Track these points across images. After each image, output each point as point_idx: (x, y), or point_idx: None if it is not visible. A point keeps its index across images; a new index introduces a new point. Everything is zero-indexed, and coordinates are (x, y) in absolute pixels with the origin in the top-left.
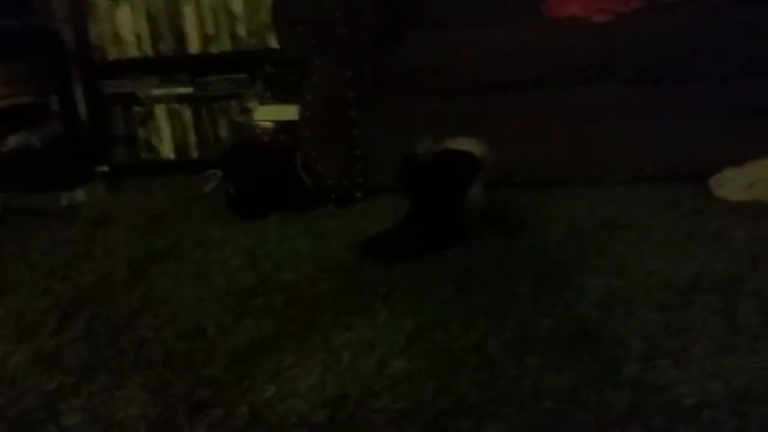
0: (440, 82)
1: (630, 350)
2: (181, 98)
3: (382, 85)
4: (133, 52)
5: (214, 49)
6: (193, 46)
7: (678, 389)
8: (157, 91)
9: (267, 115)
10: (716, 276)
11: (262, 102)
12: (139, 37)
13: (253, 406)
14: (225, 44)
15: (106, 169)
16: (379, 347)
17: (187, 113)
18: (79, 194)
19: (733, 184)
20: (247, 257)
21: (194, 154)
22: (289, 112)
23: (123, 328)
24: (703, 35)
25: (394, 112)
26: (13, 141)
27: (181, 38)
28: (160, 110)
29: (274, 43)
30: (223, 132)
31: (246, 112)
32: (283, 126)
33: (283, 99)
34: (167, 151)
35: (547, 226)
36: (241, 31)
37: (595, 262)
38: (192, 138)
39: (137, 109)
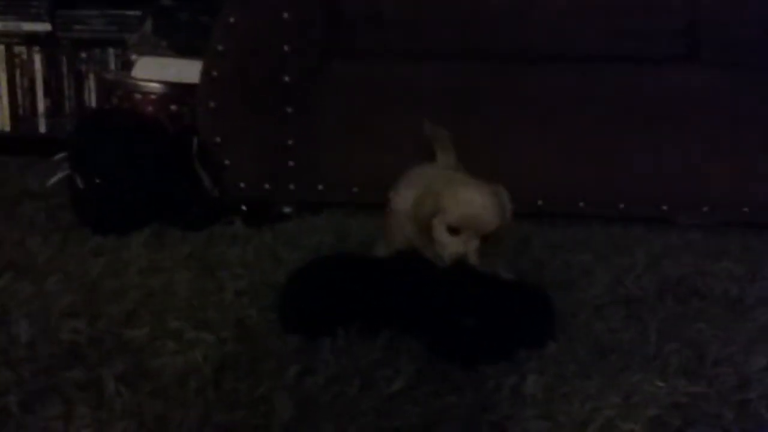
0: (427, 39)
1: None
2: (30, 38)
3: (336, 39)
4: None
5: None
6: None
7: None
8: None
9: (152, 71)
10: None
11: (147, 51)
12: None
13: None
14: None
15: None
16: None
17: (37, 62)
18: None
19: None
20: (82, 295)
21: (42, 126)
22: (189, 70)
23: None
24: None
25: (353, 81)
26: None
27: None
28: None
29: None
30: (92, 97)
31: (128, 66)
32: (178, 91)
33: (184, 50)
34: (1, 118)
35: (578, 285)
36: None
37: (657, 350)
38: (41, 101)
39: None
